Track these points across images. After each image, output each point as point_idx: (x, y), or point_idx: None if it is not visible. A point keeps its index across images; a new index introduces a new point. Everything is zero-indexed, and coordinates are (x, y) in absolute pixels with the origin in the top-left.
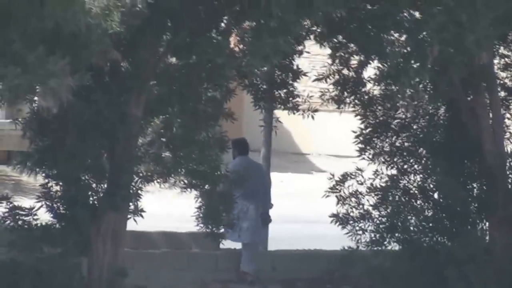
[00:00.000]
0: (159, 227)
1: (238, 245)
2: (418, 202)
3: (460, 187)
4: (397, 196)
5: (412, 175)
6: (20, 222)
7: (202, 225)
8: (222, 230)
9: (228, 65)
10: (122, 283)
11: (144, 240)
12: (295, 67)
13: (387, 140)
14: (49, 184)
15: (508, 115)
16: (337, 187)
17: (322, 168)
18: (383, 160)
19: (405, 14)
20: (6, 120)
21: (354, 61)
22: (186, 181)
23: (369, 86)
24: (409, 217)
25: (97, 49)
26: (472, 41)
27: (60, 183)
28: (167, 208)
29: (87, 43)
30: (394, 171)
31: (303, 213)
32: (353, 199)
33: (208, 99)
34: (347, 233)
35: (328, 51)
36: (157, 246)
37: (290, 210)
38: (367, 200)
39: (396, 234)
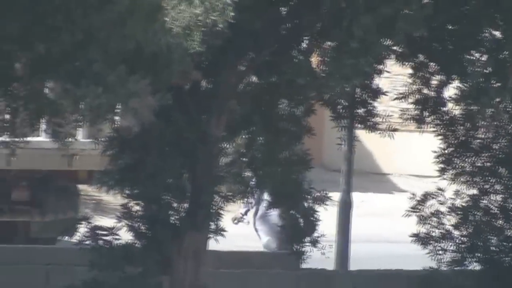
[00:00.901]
0: (240, 246)
1: (320, 265)
2: (499, 222)
3: None
4: (478, 216)
5: (493, 195)
6: (101, 242)
7: (285, 243)
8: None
9: (309, 86)
10: None
11: (225, 260)
12: (375, 86)
13: (468, 160)
14: (130, 204)
15: None
16: (418, 206)
17: (403, 188)
18: (464, 180)
19: (486, 34)
20: (87, 139)
21: (435, 80)
22: (267, 200)
23: (449, 105)
24: (490, 237)
25: (177, 69)
26: None
27: (141, 203)
28: (248, 228)
29: (168, 63)
30: (475, 191)
31: (384, 232)
32: (434, 218)
33: (289, 117)
34: (428, 253)
35: (409, 70)
36: (238, 266)
37: (371, 230)
38: (448, 220)
39: (477, 254)
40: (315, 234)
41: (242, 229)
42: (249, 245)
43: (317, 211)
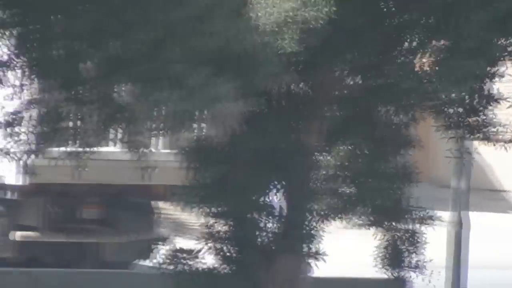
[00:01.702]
0: (338, 271)
1: None
2: None
3: None
4: None
5: None
6: (182, 266)
7: (385, 268)
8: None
9: (415, 90)
10: None
11: (322, 287)
12: (488, 91)
13: None
14: (214, 223)
15: None
16: None
17: None
18: None
19: None
20: (165, 150)
21: None
22: (368, 218)
23: None
24: None
25: (269, 71)
26: None
27: (227, 222)
28: (346, 250)
29: (258, 64)
30: None
31: (502, 257)
32: None
33: (393, 126)
34: None
35: None
36: None
37: (487, 255)
38: None
39: None
40: (420, 259)
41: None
42: (352, 270)
43: (422, 232)
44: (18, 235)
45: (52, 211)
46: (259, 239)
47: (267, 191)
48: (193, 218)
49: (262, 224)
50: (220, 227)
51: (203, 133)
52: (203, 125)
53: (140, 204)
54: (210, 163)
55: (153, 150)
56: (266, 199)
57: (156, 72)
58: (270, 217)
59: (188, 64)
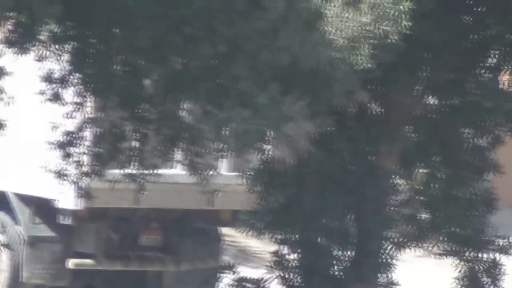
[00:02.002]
0: None
1: None
2: None
3: None
4: None
5: None
6: None
7: None
8: None
9: (498, 110)
10: None
11: None
12: None
13: None
14: (282, 251)
15: None
16: None
17: None
18: None
19: None
20: (231, 173)
21: None
22: (445, 247)
23: None
24: None
25: (341, 89)
26: None
27: (296, 250)
28: (422, 280)
29: (329, 81)
30: None
31: None
32: None
33: (473, 148)
34: None
35: None
36: None
37: None
38: None
39: None
40: None
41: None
42: None
43: (502, 263)
44: (72, 262)
45: (109, 238)
46: (333, 268)
47: (341, 216)
48: (260, 245)
49: (333, 251)
50: (288, 254)
51: (270, 155)
52: (269, 146)
53: (204, 230)
54: (278, 187)
55: (219, 172)
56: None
57: (221, 89)
58: (341, 243)
59: (255, 81)
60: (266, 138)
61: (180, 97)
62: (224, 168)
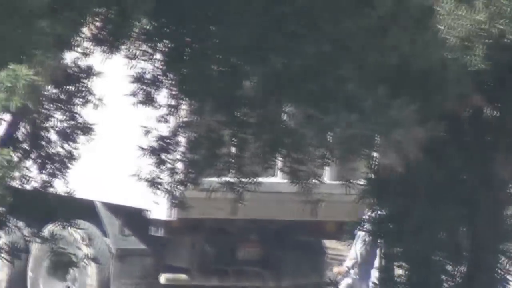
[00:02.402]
0: None
1: None
2: None
3: None
4: None
5: None
6: None
7: None
8: None
9: None
10: None
11: None
12: None
13: None
14: (389, 265)
15: None
16: None
17: None
18: None
19: None
20: (336, 181)
21: None
22: None
23: None
24: None
25: (453, 92)
26: None
27: (404, 264)
28: None
29: (441, 83)
30: None
31: None
32: None
33: None
34: None
35: None
36: None
37: None
38: None
39: None
40: None
41: None
42: None
43: None
44: (164, 277)
45: (205, 251)
46: (445, 284)
47: (453, 228)
48: None
49: (444, 266)
50: (396, 269)
51: (377, 162)
52: (376, 153)
53: (306, 242)
54: (385, 197)
55: (323, 181)
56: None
57: (325, 91)
58: (453, 258)
59: (362, 83)
60: (373, 145)
61: (281, 100)
62: (328, 177)
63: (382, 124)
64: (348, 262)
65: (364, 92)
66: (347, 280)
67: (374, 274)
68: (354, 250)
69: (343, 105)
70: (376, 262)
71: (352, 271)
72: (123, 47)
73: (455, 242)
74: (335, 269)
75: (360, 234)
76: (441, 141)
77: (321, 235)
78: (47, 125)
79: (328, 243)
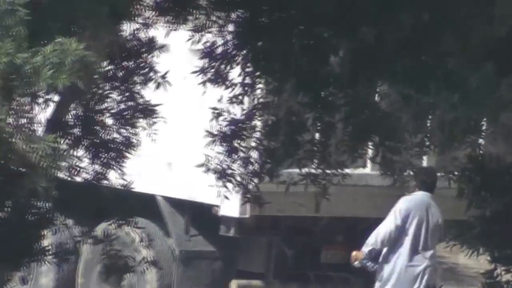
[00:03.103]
0: None
1: None
2: None
3: None
4: None
5: None
6: None
7: None
8: None
9: None
10: None
11: None
12: None
13: None
14: (498, 271)
15: None
16: None
17: None
18: None
19: None
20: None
21: None
22: None
23: None
24: None
25: None
26: None
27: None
28: None
29: None
30: None
31: None
32: None
33: None
34: None
35: None
36: None
37: None
38: None
39: None
40: None
41: None
42: None
43: None
44: (236, 284)
45: (283, 253)
46: None
47: None
48: (470, 262)
49: None
50: (506, 274)
51: (483, 150)
52: (482, 140)
53: None
54: (491, 190)
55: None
56: None
57: (424, 68)
58: None
59: (466, 59)
60: (479, 130)
61: (373, 78)
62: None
63: (489, 106)
64: (366, 248)
65: (468, 69)
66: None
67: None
68: (375, 235)
69: (444, 84)
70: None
71: (369, 264)
72: (190, 17)
73: None
74: (353, 254)
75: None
76: None
77: None
78: (101, 107)
79: None
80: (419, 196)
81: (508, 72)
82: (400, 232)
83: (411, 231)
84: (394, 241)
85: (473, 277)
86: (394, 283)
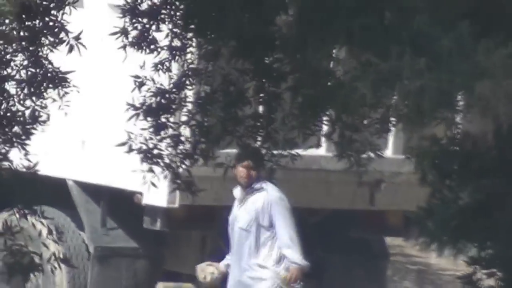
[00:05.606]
0: None
1: None
2: None
3: None
4: None
5: None
6: None
7: None
8: None
9: None
10: None
11: None
12: None
13: None
14: (477, 273)
15: None
16: None
17: None
18: None
19: None
20: (401, 156)
21: None
22: None
23: None
24: None
25: None
26: None
27: (496, 271)
28: None
29: None
30: None
31: None
32: None
33: None
34: None
35: None
36: None
37: None
38: None
39: None
40: None
41: None
42: None
43: None
44: (162, 287)
45: (219, 251)
46: None
47: None
48: (443, 262)
49: None
50: (486, 278)
51: (458, 128)
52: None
53: (362, 241)
54: (469, 176)
55: (381, 154)
56: None
57: (385, 28)
58: None
59: (436, 17)
60: (452, 103)
61: (325, 40)
62: (390, 149)
63: (463, 74)
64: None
65: (439, 30)
66: None
67: None
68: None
69: (410, 47)
70: None
71: None
72: None
73: None
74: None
75: None
76: None
77: (382, 231)
78: (3, 73)
79: (390, 240)
80: None
81: (487, 34)
82: None
83: None
84: None
85: (448, 281)
86: None
